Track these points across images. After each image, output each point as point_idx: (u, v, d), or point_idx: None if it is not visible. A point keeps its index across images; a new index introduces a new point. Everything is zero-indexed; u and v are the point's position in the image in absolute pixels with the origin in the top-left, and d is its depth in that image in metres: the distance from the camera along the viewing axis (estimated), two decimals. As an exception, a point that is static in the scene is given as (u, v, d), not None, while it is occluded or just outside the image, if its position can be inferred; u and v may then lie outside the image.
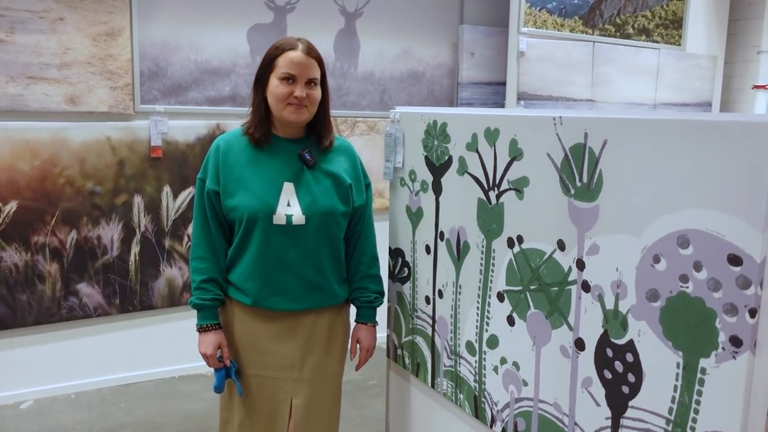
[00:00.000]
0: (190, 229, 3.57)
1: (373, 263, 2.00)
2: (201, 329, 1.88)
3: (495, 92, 4.30)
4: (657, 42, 4.40)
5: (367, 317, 2.02)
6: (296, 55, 1.79)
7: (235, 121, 3.62)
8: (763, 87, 4.50)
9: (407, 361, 2.13)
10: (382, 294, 2.03)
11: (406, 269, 2.12)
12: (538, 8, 3.94)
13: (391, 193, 2.20)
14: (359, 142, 3.99)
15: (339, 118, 3.91)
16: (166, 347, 3.59)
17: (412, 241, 2.08)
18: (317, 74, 1.82)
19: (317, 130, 1.89)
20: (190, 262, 1.90)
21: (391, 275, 2.19)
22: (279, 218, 1.79)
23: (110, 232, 3.37)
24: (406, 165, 2.10)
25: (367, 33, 3.97)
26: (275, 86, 1.79)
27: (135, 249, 3.43)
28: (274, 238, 1.80)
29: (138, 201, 3.43)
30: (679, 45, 4.50)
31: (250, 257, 1.82)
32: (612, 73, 4.20)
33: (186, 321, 3.61)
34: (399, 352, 2.17)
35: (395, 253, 2.18)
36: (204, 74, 3.55)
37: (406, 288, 2.12)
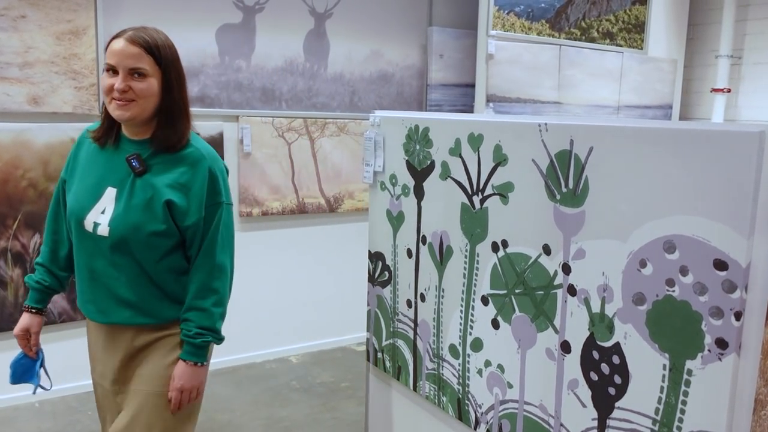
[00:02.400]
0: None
1: (202, 294, 1.68)
2: (23, 308, 1.83)
3: (464, 94, 4.34)
4: (621, 46, 4.51)
5: (185, 353, 1.68)
6: (117, 43, 1.61)
7: (203, 122, 3.57)
8: (720, 90, 4.64)
9: (388, 364, 2.14)
10: (212, 331, 1.68)
11: (386, 273, 2.12)
12: (506, 11, 3.98)
13: (371, 196, 2.20)
14: (329, 143, 3.97)
15: (309, 119, 3.89)
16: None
17: (393, 244, 2.09)
18: (143, 64, 1.60)
19: (160, 129, 1.66)
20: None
21: (371, 279, 2.19)
22: (87, 225, 1.66)
23: (76, 236, 3.28)
24: (386, 169, 2.10)
25: (337, 34, 3.96)
26: (102, 79, 1.74)
27: (101, 253, 3.35)
28: (85, 243, 1.69)
29: (104, 203, 3.34)
30: (642, 49, 4.62)
31: (74, 259, 1.77)
32: (577, 76, 4.28)
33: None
34: (379, 355, 2.18)
35: (375, 257, 2.18)
36: (172, 74, 3.48)
37: (387, 292, 2.12)
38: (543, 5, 4.15)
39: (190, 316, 1.68)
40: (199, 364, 1.69)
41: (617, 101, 4.48)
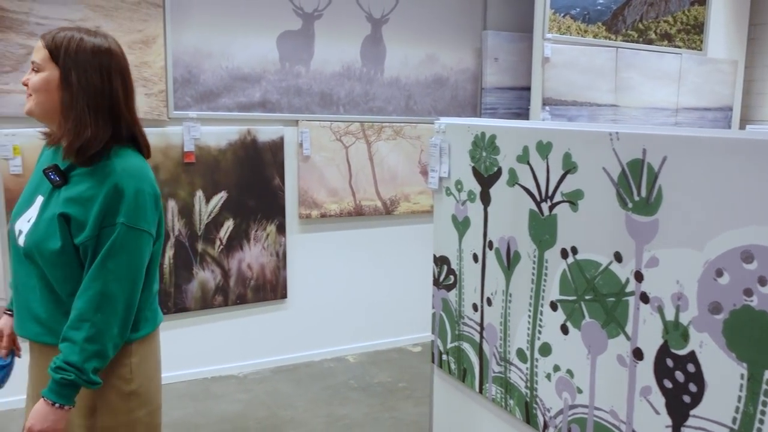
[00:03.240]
0: (222, 233, 3.62)
1: (76, 324, 1.48)
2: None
3: (519, 97, 4.34)
4: (679, 47, 4.44)
5: (46, 389, 1.47)
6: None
7: (265, 126, 3.68)
8: (783, 91, 4.53)
9: (453, 366, 2.18)
10: (77, 369, 1.45)
11: (452, 276, 2.17)
12: (562, 14, 3.98)
13: (435, 201, 2.25)
14: (385, 146, 4.04)
15: (366, 123, 3.96)
16: (198, 348, 3.65)
17: (459, 249, 2.13)
18: (37, 58, 1.55)
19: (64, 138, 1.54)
20: None
21: (436, 282, 2.24)
22: (15, 231, 1.60)
23: (145, 237, 3.42)
24: (452, 175, 2.15)
25: (393, 39, 4.02)
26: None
27: (169, 252, 3.49)
28: (13, 251, 1.64)
29: (172, 205, 3.48)
30: (701, 50, 4.54)
31: None
32: (635, 78, 4.24)
33: (218, 323, 3.68)
34: (444, 357, 2.22)
35: (440, 261, 2.23)
36: (235, 81, 3.60)
37: (452, 295, 2.17)
38: (599, 7, 4.13)
39: (61, 346, 1.48)
40: (57, 405, 1.45)
41: (675, 103, 4.42)
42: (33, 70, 1.55)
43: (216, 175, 3.58)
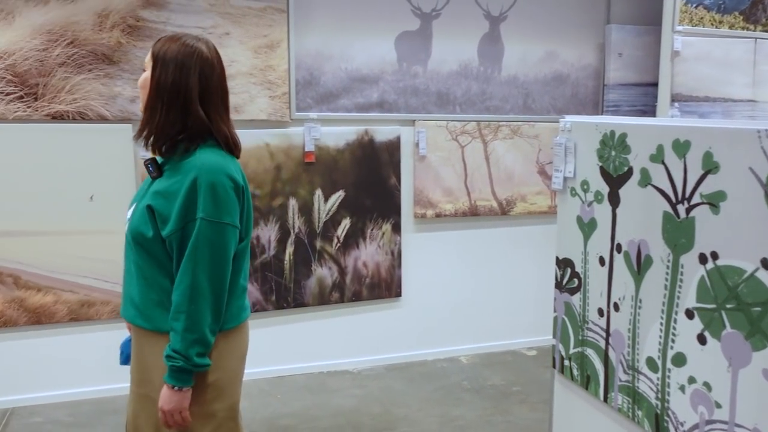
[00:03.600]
0: (339, 231, 3.71)
1: (176, 316, 1.60)
2: None
3: (644, 94, 4.14)
4: (828, 36, 4.06)
5: (166, 374, 1.61)
6: None
7: (382, 126, 3.73)
8: None
9: (575, 372, 2.11)
10: (183, 356, 1.58)
11: (575, 280, 2.10)
12: (694, 5, 3.75)
13: (559, 202, 2.18)
14: (502, 146, 3.97)
15: (482, 123, 3.92)
16: (315, 343, 3.76)
17: (584, 251, 2.06)
18: (146, 58, 1.71)
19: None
20: None
21: (559, 285, 2.18)
22: (127, 216, 1.75)
23: (268, 233, 3.57)
24: (577, 175, 2.08)
25: (511, 36, 3.95)
26: None
27: (289, 249, 3.62)
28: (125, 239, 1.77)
29: (293, 204, 3.61)
30: None
31: None
32: (776, 71, 3.92)
33: (334, 319, 3.77)
34: (566, 363, 2.16)
35: (563, 263, 2.16)
36: (354, 82, 3.67)
37: (576, 299, 2.10)
38: (737, -4, 3.85)
39: (170, 336, 1.62)
40: (176, 388, 1.60)
41: (824, 97, 4.04)
42: (143, 70, 1.73)
43: (334, 174, 3.67)
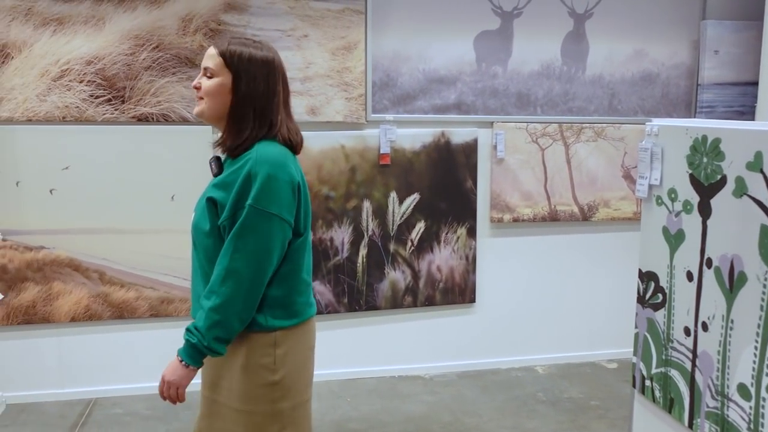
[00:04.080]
0: (413, 234, 3.66)
1: (207, 294, 1.62)
2: None
3: (742, 94, 3.86)
4: None
5: (181, 348, 1.64)
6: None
7: (459, 128, 3.65)
8: None
9: (657, 394, 1.97)
10: (200, 334, 1.59)
11: (659, 295, 1.96)
12: (801, -3, 3.46)
13: (644, 211, 2.05)
14: (585, 149, 3.81)
15: (564, 124, 3.77)
16: (387, 347, 3.73)
17: (669, 265, 1.92)
18: (211, 64, 1.67)
19: (221, 132, 1.72)
20: None
21: (641, 300, 2.04)
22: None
23: (341, 235, 3.56)
24: (664, 182, 1.94)
25: (597, 34, 3.78)
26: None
27: (363, 251, 3.60)
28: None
29: (367, 206, 3.59)
30: None
31: None
32: None
33: (407, 323, 3.73)
34: (647, 383, 2.02)
35: (646, 277, 2.02)
36: (431, 83, 3.61)
37: (660, 315, 1.96)
38: None
39: (198, 314, 1.63)
40: (183, 362, 1.61)
41: None
42: (206, 75, 1.68)
43: (409, 176, 3.62)
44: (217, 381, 1.71)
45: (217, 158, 1.73)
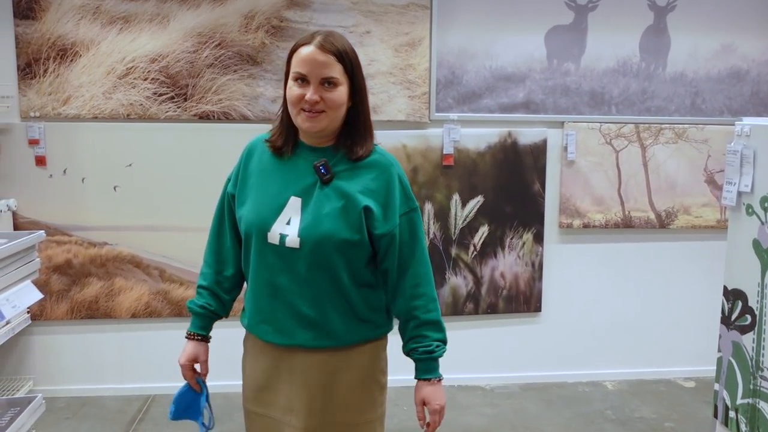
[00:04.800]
0: (476, 239, 3.51)
1: (430, 307, 1.58)
2: (186, 335, 1.69)
3: None
4: None
5: (429, 371, 1.59)
6: (308, 50, 1.49)
7: (527, 128, 3.47)
8: None
9: (744, 428, 1.77)
10: (445, 342, 1.61)
11: (748, 316, 1.75)
12: None
13: (731, 221, 1.84)
14: (664, 151, 3.56)
15: (641, 125, 3.53)
16: (447, 355, 3.55)
17: (761, 284, 1.71)
18: (334, 73, 1.48)
19: (349, 138, 1.56)
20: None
21: (726, 320, 1.84)
22: (273, 237, 1.53)
23: (401, 238, 3.45)
24: (756, 189, 1.73)
25: (680, 28, 3.52)
26: (289, 88, 1.53)
27: (423, 255, 3.48)
28: (267, 258, 1.55)
29: (428, 208, 3.46)
30: None
31: (249, 276, 1.63)
32: None
33: (468, 331, 3.59)
34: (731, 414, 1.82)
35: (733, 295, 1.82)
36: (498, 81, 3.45)
37: (748, 339, 1.75)
38: None
39: (424, 331, 1.58)
40: (440, 379, 1.61)
41: None
42: (324, 85, 1.49)
43: (473, 178, 3.47)
44: (327, 403, 1.59)
45: (327, 162, 1.55)
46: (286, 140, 1.59)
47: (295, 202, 1.54)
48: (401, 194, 1.56)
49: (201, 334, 1.67)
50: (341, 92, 1.50)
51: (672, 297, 3.67)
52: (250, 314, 1.62)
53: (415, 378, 1.61)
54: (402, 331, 1.62)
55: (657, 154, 3.57)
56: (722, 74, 3.58)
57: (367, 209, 1.52)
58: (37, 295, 2.30)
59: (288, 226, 1.52)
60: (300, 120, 1.51)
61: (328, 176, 1.53)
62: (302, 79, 1.49)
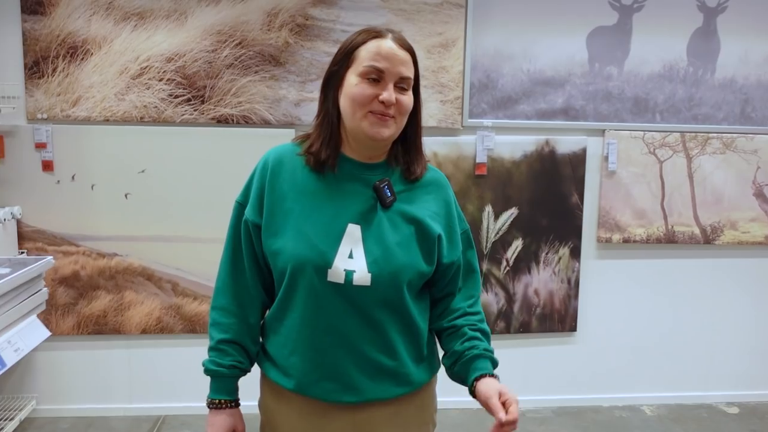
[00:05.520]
0: (509, 253, 3.30)
1: (483, 321, 1.44)
2: (211, 405, 1.39)
3: None
4: None
5: (492, 367, 1.37)
6: (387, 44, 1.26)
7: (564, 136, 3.25)
8: None
9: None
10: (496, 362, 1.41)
11: None
12: None
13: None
14: (710, 162, 3.33)
15: (687, 134, 3.31)
16: (476, 377, 3.38)
17: None
18: (411, 73, 1.29)
19: (406, 154, 1.35)
20: (210, 311, 1.42)
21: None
22: (336, 274, 1.27)
23: (430, 252, 3.24)
24: None
25: (731, 31, 3.29)
26: (353, 85, 1.27)
27: (453, 271, 3.27)
28: (327, 300, 1.28)
29: (459, 220, 3.25)
30: None
31: (294, 323, 1.32)
32: None
33: (498, 351, 3.33)
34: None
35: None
36: (536, 85, 3.23)
37: None
38: None
39: (483, 337, 1.41)
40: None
41: None
42: (399, 87, 1.28)
43: (508, 189, 3.26)
44: None
45: (389, 182, 1.33)
46: (332, 152, 1.33)
47: (354, 231, 1.30)
48: (458, 215, 1.43)
49: (232, 400, 1.42)
50: (411, 97, 1.31)
51: (716, 317, 3.46)
52: (301, 372, 1.33)
53: (477, 377, 1.34)
54: (450, 342, 1.40)
55: (703, 165, 3.35)
56: (775, 81, 3.35)
57: (441, 238, 1.35)
58: (43, 334, 2.07)
59: (351, 260, 1.27)
60: (367, 124, 1.27)
61: (391, 198, 1.32)
62: (377, 77, 1.26)
